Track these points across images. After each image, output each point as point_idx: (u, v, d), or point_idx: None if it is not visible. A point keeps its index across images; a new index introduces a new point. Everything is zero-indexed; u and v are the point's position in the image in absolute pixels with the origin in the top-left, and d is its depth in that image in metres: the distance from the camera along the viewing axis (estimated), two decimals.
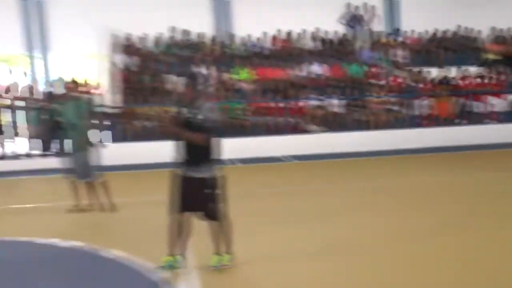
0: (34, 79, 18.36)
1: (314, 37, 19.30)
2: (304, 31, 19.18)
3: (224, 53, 18.87)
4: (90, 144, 8.95)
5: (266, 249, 6.54)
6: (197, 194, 5.60)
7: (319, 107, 16.58)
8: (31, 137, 16.10)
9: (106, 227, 8.47)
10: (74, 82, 9.77)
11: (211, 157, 5.63)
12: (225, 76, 17.53)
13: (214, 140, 5.63)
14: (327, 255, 6.27)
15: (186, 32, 19.02)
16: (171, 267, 5.63)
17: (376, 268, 5.79)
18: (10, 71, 17.50)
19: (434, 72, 17.71)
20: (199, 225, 5.82)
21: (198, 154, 5.57)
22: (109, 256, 6.53)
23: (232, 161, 14.08)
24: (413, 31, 19.89)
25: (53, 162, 13.13)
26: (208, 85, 16.89)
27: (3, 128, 15.85)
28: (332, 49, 19.00)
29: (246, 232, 6.88)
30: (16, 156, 15.70)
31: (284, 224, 7.80)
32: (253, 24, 19.40)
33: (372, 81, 17.61)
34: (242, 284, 5.56)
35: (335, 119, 16.27)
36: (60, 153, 12.11)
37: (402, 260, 5.98)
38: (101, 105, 15.42)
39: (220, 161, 5.75)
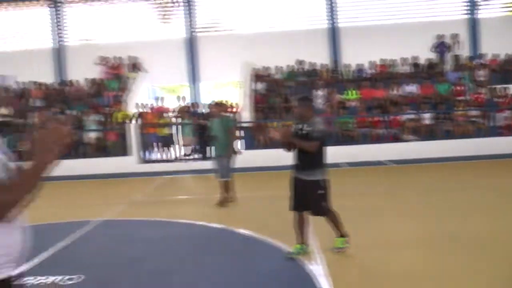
0: (190, 103, 19.45)
1: (408, 63, 19.11)
2: (401, 58, 19.06)
3: (336, 78, 19.11)
4: (230, 151, 9.13)
5: (377, 238, 6.43)
6: (310, 194, 5.52)
7: (413, 120, 16.23)
8: (188, 145, 16.91)
9: (242, 214, 8.58)
10: (219, 104, 9.94)
11: (320, 162, 5.55)
12: (337, 96, 17.64)
13: (322, 148, 5.54)
14: (432, 244, 5.98)
15: (305, 62, 19.57)
16: (298, 254, 5.62)
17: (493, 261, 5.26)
18: (179, 98, 18.60)
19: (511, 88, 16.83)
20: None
21: (309, 160, 5.49)
22: (248, 235, 6.82)
23: (343, 165, 14.27)
24: (496, 55, 19.01)
25: (204, 165, 14.08)
26: (324, 104, 17.26)
27: (169, 139, 16.87)
28: (423, 72, 18.68)
29: (360, 223, 6.97)
30: (177, 160, 16.57)
31: (390, 217, 7.61)
32: (359, 53, 19.46)
33: (458, 97, 17.04)
34: (360, 264, 5.46)
35: (427, 130, 15.86)
36: (209, 157, 12.88)
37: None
38: (239, 121, 16.11)
39: (326, 165, 5.63)
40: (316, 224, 6.06)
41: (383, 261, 5.47)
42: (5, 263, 1.92)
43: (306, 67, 19.62)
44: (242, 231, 7.12)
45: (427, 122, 16.20)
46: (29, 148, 2.02)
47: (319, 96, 17.66)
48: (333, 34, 20.63)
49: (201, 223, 7.83)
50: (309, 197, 5.54)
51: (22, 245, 2.01)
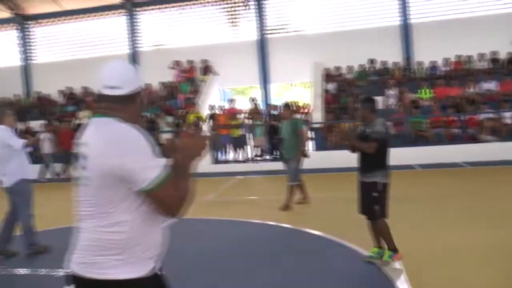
0: (261, 104, 19.59)
1: (486, 58, 18.27)
2: (479, 54, 18.23)
3: (409, 76, 18.61)
4: (299, 154, 9.02)
5: (456, 243, 6.12)
6: (367, 196, 5.41)
7: (491, 119, 15.37)
8: (259, 146, 17.06)
9: (314, 216, 8.51)
10: (288, 105, 9.75)
11: (380, 164, 5.36)
12: (410, 95, 17.15)
13: (383, 150, 5.34)
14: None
15: (377, 61, 19.23)
16: (376, 257, 5.51)
17: None
18: (251, 100, 18.79)
19: None
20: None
21: (370, 161, 5.35)
22: (322, 236, 6.81)
23: (415, 166, 13.92)
24: None
25: (275, 165, 14.02)
26: (396, 104, 16.87)
27: (242, 140, 17.01)
28: (503, 68, 17.68)
29: (436, 226, 6.78)
30: (249, 160, 16.78)
31: (470, 222, 7.16)
32: (433, 50, 18.83)
33: None
34: (440, 270, 5.18)
35: (507, 130, 14.90)
36: (280, 159, 12.92)
37: None
38: (309, 122, 16.06)
39: (388, 168, 5.42)
40: (392, 228, 5.86)
41: (463, 268, 5.27)
42: (157, 256, 2.23)
43: (378, 65, 19.25)
44: (315, 232, 7.10)
45: (508, 121, 15.31)
46: (170, 151, 2.28)
47: (391, 95, 17.32)
48: (405, 30, 20.07)
49: (272, 223, 7.87)
50: (365, 200, 5.46)
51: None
